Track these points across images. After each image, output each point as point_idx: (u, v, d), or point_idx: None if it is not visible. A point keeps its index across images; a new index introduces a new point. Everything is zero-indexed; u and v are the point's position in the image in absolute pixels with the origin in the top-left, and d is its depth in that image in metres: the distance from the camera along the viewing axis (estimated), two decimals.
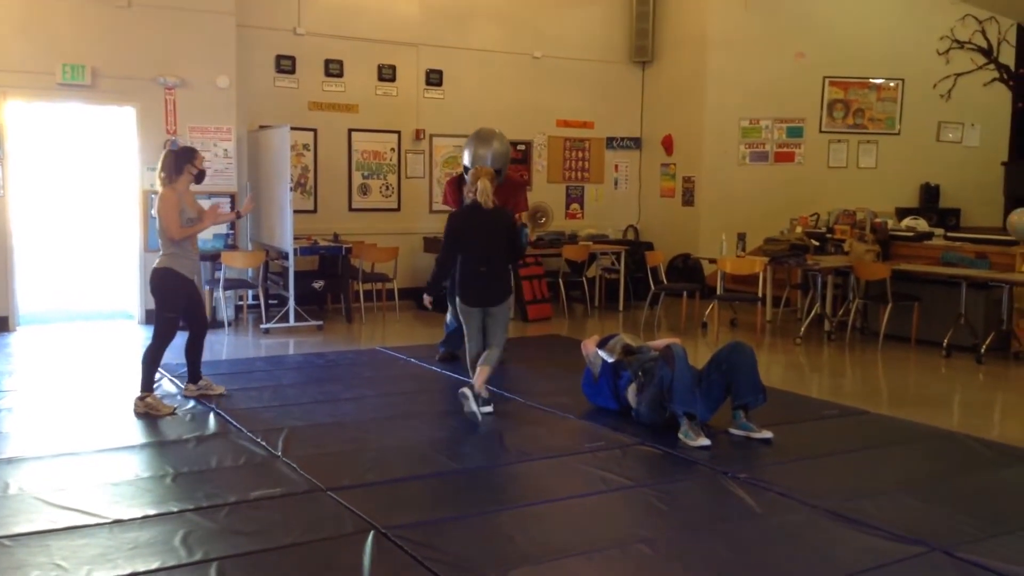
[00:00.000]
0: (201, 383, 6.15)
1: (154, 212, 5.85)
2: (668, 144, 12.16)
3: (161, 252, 5.83)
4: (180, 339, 6.03)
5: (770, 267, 9.10)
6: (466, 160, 7.44)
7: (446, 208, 10.95)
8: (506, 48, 11.45)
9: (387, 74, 10.75)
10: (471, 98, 11.18)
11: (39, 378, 6.83)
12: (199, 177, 5.93)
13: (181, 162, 5.81)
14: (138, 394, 5.74)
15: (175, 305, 5.83)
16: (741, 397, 5.33)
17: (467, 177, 7.40)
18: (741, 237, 9.43)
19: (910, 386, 7.37)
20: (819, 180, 11.55)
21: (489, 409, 5.68)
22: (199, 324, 6.11)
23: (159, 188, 5.86)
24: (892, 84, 11.76)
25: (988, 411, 6.57)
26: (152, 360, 5.79)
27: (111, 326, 9.05)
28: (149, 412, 5.64)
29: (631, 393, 5.59)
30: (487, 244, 5.74)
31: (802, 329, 8.85)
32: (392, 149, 10.87)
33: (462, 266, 5.77)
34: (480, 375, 5.67)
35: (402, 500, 4.23)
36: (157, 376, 5.93)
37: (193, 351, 6.10)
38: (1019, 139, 12.16)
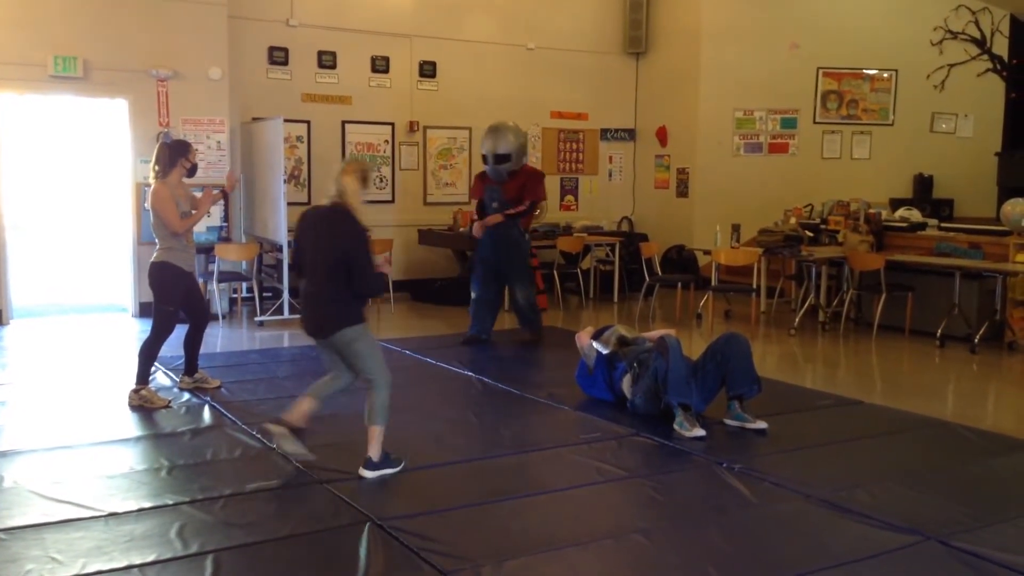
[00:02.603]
0: (197, 376, 6.14)
1: (147, 206, 5.83)
2: (662, 135, 12.16)
3: (157, 246, 5.82)
4: (179, 331, 6.02)
5: (764, 258, 9.11)
6: (483, 151, 7.71)
7: (449, 201, 11.10)
8: (500, 40, 11.42)
9: (380, 66, 10.72)
10: (465, 90, 11.16)
11: (33, 371, 6.81)
12: (191, 171, 5.91)
13: (175, 156, 5.79)
14: (133, 386, 5.74)
15: (173, 299, 5.82)
16: (736, 388, 5.34)
17: (487, 170, 7.64)
18: (735, 228, 9.43)
19: (904, 376, 7.39)
20: (813, 171, 11.55)
21: (307, 455, 4.45)
22: (199, 317, 6.11)
23: (152, 181, 5.85)
24: (886, 75, 11.76)
25: (982, 400, 6.59)
26: (149, 353, 5.78)
27: (105, 319, 9.03)
28: (144, 405, 5.63)
29: (626, 384, 5.59)
30: (314, 258, 4.40)
31: (796, 320, 8.86)
32: (386, 141, 10.84)
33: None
34: (300, 407, 4.51)
35: (398, 492, 4.24)
36: (152, 369, 5.92)
37: (192, 344, 6.10)
38: (1012, 129, 12.18)
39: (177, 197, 5.77)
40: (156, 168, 5.79)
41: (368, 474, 4.34)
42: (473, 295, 7.83)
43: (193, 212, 5.87)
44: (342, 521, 3.83)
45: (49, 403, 5.81)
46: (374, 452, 4.37)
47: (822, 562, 3.49)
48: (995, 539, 3.68)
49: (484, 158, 7.73)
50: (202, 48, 9.13)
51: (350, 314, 4.37)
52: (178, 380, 6.20)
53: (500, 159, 7.58)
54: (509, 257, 7.66)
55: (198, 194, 6.16)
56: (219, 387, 6.11)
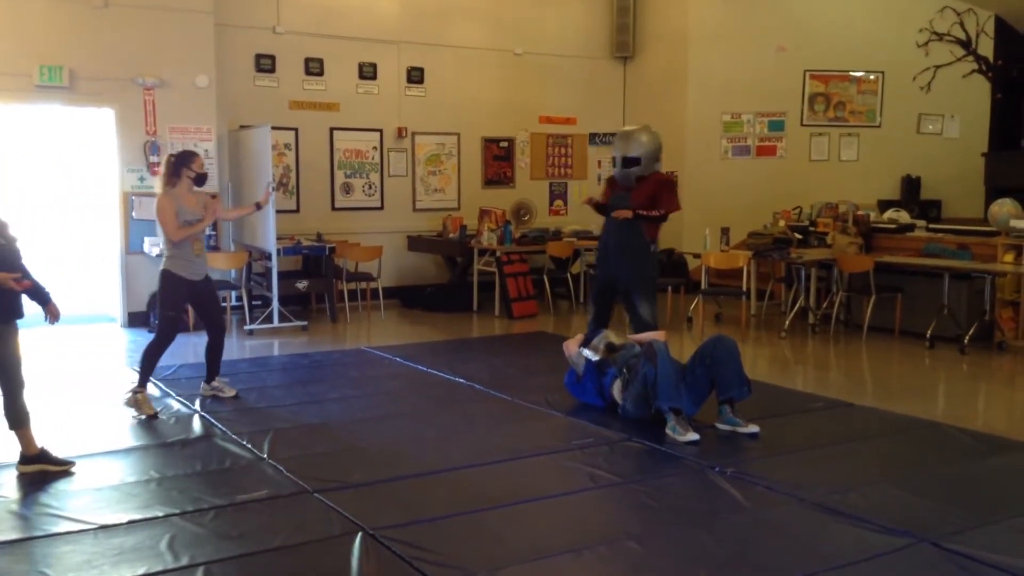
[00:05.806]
0: (215, 383, 6.20)
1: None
2: None
3: (164, 254, 5.95)
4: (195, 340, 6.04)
5: (754, 261, 9.12)
6: (614, 153, 7.24)
7: (438, 207, 11.08)
8: (487, 45, 11.42)
9: (368, 72, 10.70)
10: (453, 95, 11.15)
11: None
12: (199, 180, 6.00)
13: (179, 166, 5.90)
14: (134, 387, 5.80)
15: (173, 305, 5.92)
16: (726, 391, 5.34)
17: (616, 174, 7.22)
18: (725, 231, 9.44)
19: (894, 377, 7.41)
20: (801, 173, 11.58)
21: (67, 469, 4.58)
22: (213, 326, 6.16)
23: (157, 191, 6.00)
24: (872, 77, 11.81)
25: (972, 401, 6.61)
26: (151, 357, 5.87)
27: (93, 329, 8.97)
28: (133, 408, 5.66)
29: (617, 390, 5.59)
30: None
31: (787, 322, 8.88)
32: (374, 148, 10.83)
33: None
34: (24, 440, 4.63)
35: (390, 500, 4.22)
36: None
37: (210, 352, 6.17)
38: (998, 130, 12.24)
39: (182, 206, 5.86)
40: (163, 179, 5.91)
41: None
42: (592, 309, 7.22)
43: (197, 221, 5.93)
44: (334, 531, 3.81)
45: (37, 414, 5.74)
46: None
47: (815, 566, 3.49)
48: (988, 540, 3.69)
49: (613, 160, 7.30)
50: (189, 56, 9.10)
51: None
52: (169, 391, 6.21)
53: (629, 162, 7.09)
54: (629, 267, 6.89)
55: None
56: (235, 396, 6.14)
